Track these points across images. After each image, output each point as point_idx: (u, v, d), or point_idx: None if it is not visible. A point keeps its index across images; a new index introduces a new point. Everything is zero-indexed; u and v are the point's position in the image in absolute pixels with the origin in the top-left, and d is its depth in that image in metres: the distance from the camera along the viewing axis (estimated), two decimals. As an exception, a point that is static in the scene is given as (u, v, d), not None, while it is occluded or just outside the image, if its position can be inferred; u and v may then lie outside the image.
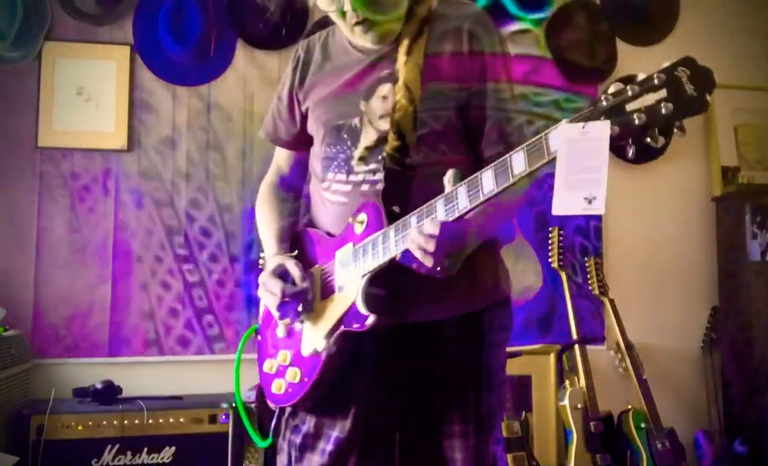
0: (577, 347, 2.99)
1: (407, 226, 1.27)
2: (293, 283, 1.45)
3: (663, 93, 1.00)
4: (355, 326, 1.33)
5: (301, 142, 1.62)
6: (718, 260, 3.39)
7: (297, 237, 1.58)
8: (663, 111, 0.99)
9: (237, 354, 1.65)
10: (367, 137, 1.43)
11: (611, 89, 1.05)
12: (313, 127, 1.53)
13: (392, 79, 1.42)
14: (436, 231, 1.20)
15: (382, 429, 1.46)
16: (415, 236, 1.22)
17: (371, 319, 1.31)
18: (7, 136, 2.94)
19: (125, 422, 2.53)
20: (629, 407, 2.98)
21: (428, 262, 1.22)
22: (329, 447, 1.43)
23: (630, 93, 1.02)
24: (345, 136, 1.45)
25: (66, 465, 2.47)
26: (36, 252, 2.91)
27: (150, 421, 2.55)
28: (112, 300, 2.95)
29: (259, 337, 1.61)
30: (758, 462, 3.03)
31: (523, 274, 3.24)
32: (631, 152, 1.04)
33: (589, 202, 1.03)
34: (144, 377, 2.91)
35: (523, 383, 3.09)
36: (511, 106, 1.46)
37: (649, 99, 1.00)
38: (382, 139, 1.41)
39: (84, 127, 3.00)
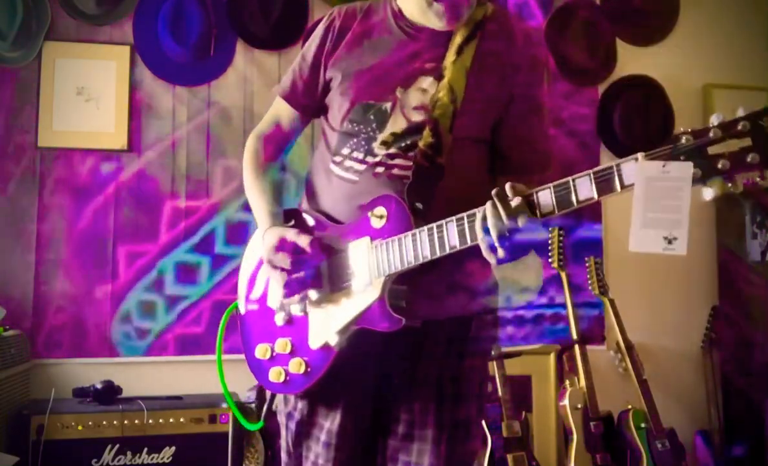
0: (577, 347, 2.99)
1: (443, 230, 1.26)
2: (302, 251, 1.38)
3: (748, 141, 1.01)
4: (381, 327, 1.31)
5: (314, 109, 1.56)
6: (718, 260, 3.39)
7: (294, 216, 1.51)
8: (749, 160, 1.00)
9: (219, 334, 1.63)
10: (396, 124, 1.39)
11: (688, 127, 1.06)
12: (337, 100, 1.46)
13: (436, 74, 1.39)
14: (522, 222, 1.16)
15: (367, 425, 1.45)
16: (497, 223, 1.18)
17: (400, 320, 1.29)
18: (6, 136, 2.94)
19: (125, 422, 2.53)
20: (629, 407, 2.98)
21: (500, 253, 1.20)
22: (324, 437, 1.43)
23: (713, 136, 1.03)
24: (371, 117, 1.41)
25: (66, 465, 2.47)
26: (36, 252, 2.91)
27: (150, 421, 2.55)
28: (112, 300, 2.95)
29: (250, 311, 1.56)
30: (757, 462, 3.04)
31: (523, 274, 3.24)
32: (710, 195, 1.06)
33: (669, 242, 1.04)
34: (144, 377, 2.90)
35: (523, 383, 3.09)
36: (546, 129, 1.48)
37: (733, 145, 1.01)
38: (411, 130, 1.38)
39: (84, 127, 3.00)
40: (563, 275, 3.07)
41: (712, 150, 1.03)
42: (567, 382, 3.01)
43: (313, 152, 1.58)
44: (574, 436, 2.89)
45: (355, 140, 1.42)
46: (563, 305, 3.09)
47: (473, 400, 1.46)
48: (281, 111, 1.60)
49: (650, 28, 3.47)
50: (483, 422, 2.76)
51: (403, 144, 1.38)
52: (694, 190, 1.05)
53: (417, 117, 1.38)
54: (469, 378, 1.45)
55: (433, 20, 1.41)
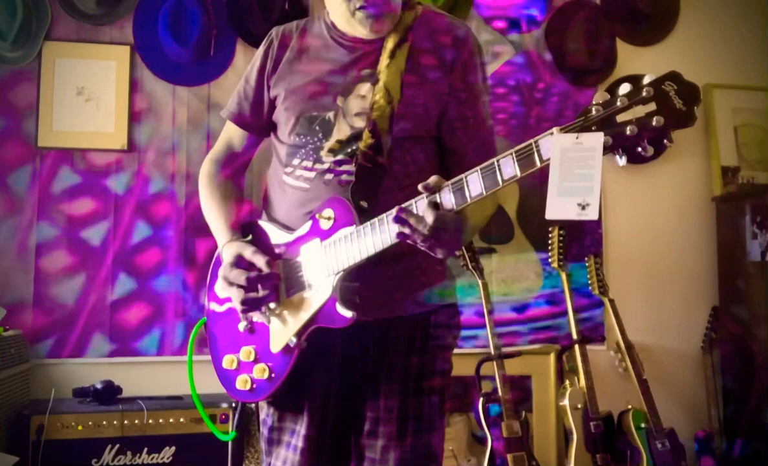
0: (577, 347, 2.99)
1: (384, 223, 1.30)
2: (258, 271, 1.43)
3: (652, 106, 1.06)
4: (336, 323, 1.35)
5: (262, 128, 1.62)
6: (718, 260, 3.39)
7: (250, 229, 1.56)
8: (654, 123, 1.05)
9: (189, 348, 1.66)
10: (340, 131, 1.45)
11: (598, 99, 1.10)
12: (283, 116, 1.53)
13: (373, 79, 1.45)
14: (429, 219, 1.22)
15: (335, 425, 1.49)
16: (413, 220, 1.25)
17: (351, 316, 1.33)
18: (6, 136, 2.94)
19: (125, 422, 2.53)
20: (629, 407, 2.98)
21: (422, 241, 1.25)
22: (294, 441, 1.47)
23: (620, 104, 1.08)
24: (317, 128, 1.47)
25: (66, 465, 2.47)
26: (36, 252, 2.91)
27: (150, 421, 2.55)
28: (112, 300, 2.95)
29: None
30: (758, 462, 3.03)
31: (523, 274, 3.24)
32: (623, 161, 1.11)
33: (583, 208, 1.09)
34: (144, 377, 2.90)
35: (523, 383, 3.09)
36: (487, 118, 1.53)
37: (639, 111, 1.07)
38: (355, 136, 1.43)
39: (84, 127, 3.00)
40: (563, 275, 3.07)
41: (620, 118, 1.08)
42: (567, 382, 3.01)
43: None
44: (574, 436, 2.89)
45: (303, 151, 1.48)
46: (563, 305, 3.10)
47: (436, 393, 1.50)
48: (232, 134, 1.68)
49: (650, 28, 3.46)
50: (483, 422, 2.77)
51: (348, 150, 1.43)
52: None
53: (359, 123, 1.44)
54: (432, 372, 1.49)
55: (359, 28, 1.47)
